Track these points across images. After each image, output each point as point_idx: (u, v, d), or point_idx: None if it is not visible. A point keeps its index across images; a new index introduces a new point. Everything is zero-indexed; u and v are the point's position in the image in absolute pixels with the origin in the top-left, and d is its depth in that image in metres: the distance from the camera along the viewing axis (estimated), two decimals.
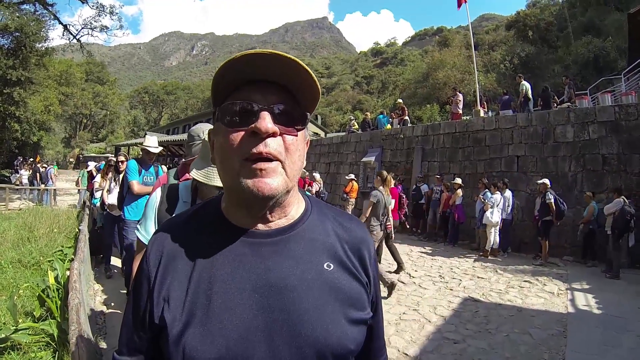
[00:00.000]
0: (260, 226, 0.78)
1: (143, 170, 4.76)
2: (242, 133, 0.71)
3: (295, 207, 0.84)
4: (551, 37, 35.79)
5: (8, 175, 21.67)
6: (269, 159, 0.70)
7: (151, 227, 1.73)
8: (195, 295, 0.72)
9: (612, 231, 7.59)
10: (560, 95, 14.36)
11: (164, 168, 5.13)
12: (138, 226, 1.77)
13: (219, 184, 1.52)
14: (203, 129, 2.40)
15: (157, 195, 1.77)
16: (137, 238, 1.75)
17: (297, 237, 0.80)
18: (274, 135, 0.71)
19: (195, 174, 1.63)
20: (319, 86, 0.74)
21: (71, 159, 52.33)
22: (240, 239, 0.77)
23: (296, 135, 0.75)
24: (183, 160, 2.52)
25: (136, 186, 4.66)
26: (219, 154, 0.77)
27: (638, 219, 7.48)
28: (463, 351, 4.23)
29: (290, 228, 0.80)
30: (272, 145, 0.70)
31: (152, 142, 4.83)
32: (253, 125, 0.70)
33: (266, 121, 0.69)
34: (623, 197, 7.64)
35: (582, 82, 20.19)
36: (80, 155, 48.45)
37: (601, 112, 9.27)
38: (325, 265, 0.78)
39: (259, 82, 0.73)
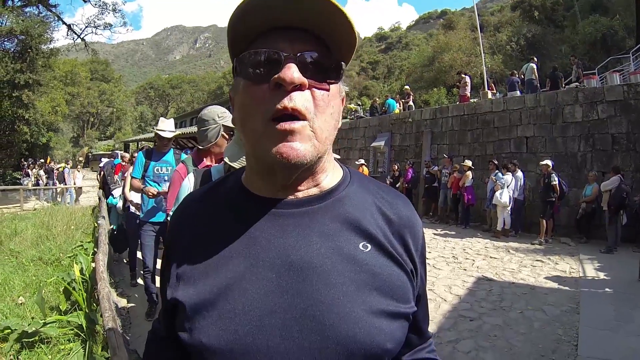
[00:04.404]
0: (285, 195, 0.68)
1: (152, 162, 4.20)
2: (265, 87, 0.60)
3: (330, 175, 0.71)
4: (557, 17, 35.10)
5: (19, 177, 21.93)
6: (295, 117, 0.59)
7: None
8: (207, 274, 0.65)
9: (607, 207, 7.78)
10: (568, 76, 14.22)
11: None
12: (170, 212, 1.76)
13: None
14: (218, 113, 2.35)
15: (190, 181, 1.74)
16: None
17: (328, 209, 0.67)
18: (301, 88, 0.59)
19: (230, 162, 1.58)
20: (356, 30, 0.62)
21: (80, 158, 52.77)
22: (259, 210, 0.67)
23: (327, 90, 0.63)
24: (198, 147, 2.47)
25: (134, 183, 4.20)
26: (239, 114, 0.65)
27: None
28: (479, 328, 4.33)
29: (321, 198, 0.68)
30: (299, 100, 0.59)
31: (166, 126, 4.20)
32: (276, 75, 0.58)
33: (292, 70, 0.58)
34: (620, 175, 7.76)
35: (590, 62, 19.82)
36: (90, 154, 48.80)
37: (610, 92, 9.20)
38: (360, 246, 0.66)
39: (285, 29, 0.61)
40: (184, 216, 0.75)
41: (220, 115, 2.38)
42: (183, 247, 0.70)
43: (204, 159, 2.52)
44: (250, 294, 0.61)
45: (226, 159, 1.61)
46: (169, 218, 1.78)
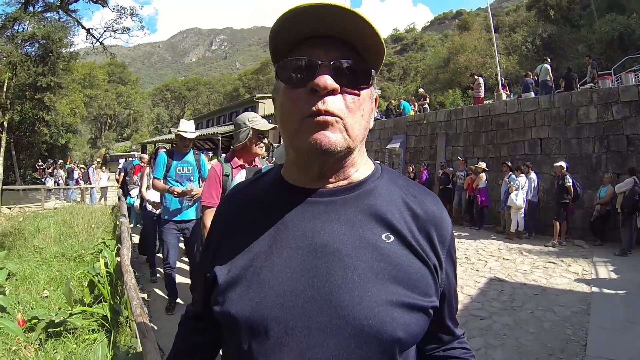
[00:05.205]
0: (317, 186, 0.74)
1: (174, 162, 4.25)
2: (302, 91, 0.67)
3: (361, 169, 0.77)
4: (574, 16, 34.58)
5: (38, 177, 22.43)
6: (329, 115, 0.66)
7: None
8: (242, 252, 0.73)
9: (621, 209, 7.73)
10: (584, 76, 14.10)
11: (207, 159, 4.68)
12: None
13: None
14: (249, 117, 2.63)
15: (242, 177, 1.98)
16: None
17: (355, 200, 0.73)
18: (334, 92, 0.66)
19: (278, 162, 1.78)
20: (382, 38, 0.68)
21: (98, 159, 53.73)
22: (292, 197, 0.74)
23: (358, 95, 0.69)
24: (232, 147, 2.74)
25: (157, 184, 4.19)
26: (279, 113, 0.73)
27: None
28: (489, 327, 4.40)
29: (349, 190, 0.74)
30: (331, 103, 0.66)
31: (187, 127, 4.33)
32: (311, 81, 0.65)
33: (325, 77, 0.65)
34: (635, 177, 7.67)
35: (607, 62, 19.61)
36: (107, 155, 49.63)
37: (624, 92, 9.08)
38: (383, 236, 0.70)
39: (321, 38, 0.68)
40: (231, 202, 0.85)
41: (251, 120, 2.65)
42: (225, 228, 0.80)
43: (237, 157, 2.75)
44: (277, 271, 0.68)
45: (275, 159, 1.81)
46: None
